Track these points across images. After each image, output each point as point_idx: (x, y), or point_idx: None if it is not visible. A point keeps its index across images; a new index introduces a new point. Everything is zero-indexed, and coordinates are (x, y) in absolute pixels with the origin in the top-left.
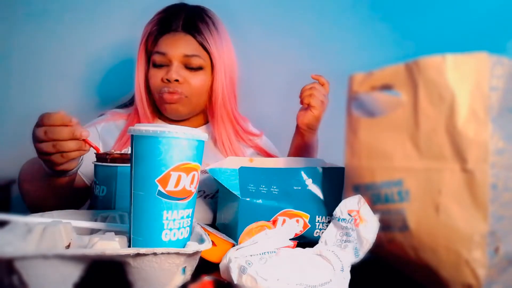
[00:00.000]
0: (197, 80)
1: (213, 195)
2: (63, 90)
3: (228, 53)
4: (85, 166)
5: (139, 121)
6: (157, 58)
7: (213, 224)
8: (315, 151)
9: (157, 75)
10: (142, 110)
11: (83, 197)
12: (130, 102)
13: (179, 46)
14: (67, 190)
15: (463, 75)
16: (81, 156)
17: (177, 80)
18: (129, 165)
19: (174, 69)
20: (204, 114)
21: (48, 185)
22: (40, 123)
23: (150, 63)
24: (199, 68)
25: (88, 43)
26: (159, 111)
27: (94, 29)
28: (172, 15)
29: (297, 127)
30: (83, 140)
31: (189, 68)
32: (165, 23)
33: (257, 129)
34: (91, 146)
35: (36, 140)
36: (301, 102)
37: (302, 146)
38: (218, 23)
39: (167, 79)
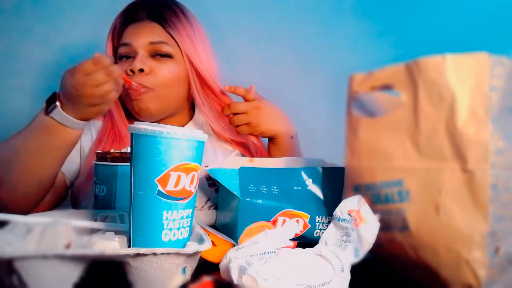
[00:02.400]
0: (165, 70)
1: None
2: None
3: (200, 40)
4: (68, 163)
5: (113, 126)
6: (122, 50)
7: (213, 224)
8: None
9: (122, 69)
10: (116, 111)
11: (59, 194)
12: None
13: (144, 34)
14: (66, 151)
15: (463, 75)
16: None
17: (142, 70)
18: (129, 164)
19: (139, 57)
20: (186, 112)
21: (49, 145)
22: (72, 72)
23: (117, 58)
24: (168, 56)
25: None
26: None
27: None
28: (137, 7)
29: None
30: (121, 76)
31: (157, 55)
32: (130, 14)
33: None
34: (126, 81)
35: (73, 86)
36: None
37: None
38: (187, 12)
39: (131, 70)
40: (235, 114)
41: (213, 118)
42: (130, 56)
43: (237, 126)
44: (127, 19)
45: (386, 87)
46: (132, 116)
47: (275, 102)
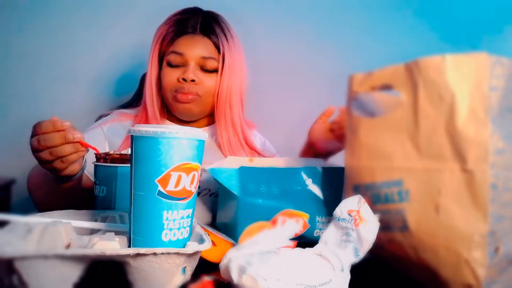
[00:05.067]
0: (211, 82)
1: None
2: (62, 91)
3: (239, 59)
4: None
5: (147, 121)
6: (173, 58)
7: (213, 224)
8: None
9: (172, 75)
10: (152, 110)
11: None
12: (136, 103)
13: (196, 48)
14: (75, 192)
15: (463, 75)
16: (84, 158)
17: (193, 81)
18: (129, 165)
19: (191, 69)
20: (210, 116)
21: (56, 190)
22: (33, 133)
23: (164, 63)
24: (214, 71)
25: (91, 45)
26: (167, 112)
27: (98, 31)
28: (189, 17)
29: (312, 145)
30: (78, 142)
31: (204, 69)
32: (183, 25)
33: (261, 132)
34: (87, 146)
35: (33, 150)
36: (332, 130)
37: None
38: (231, 29)
39: (183, 79)
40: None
41: (225, 129)
42: (179, 65)
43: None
44: (180, 29)
45: (386, 87)
46: (169, 116)
47: (275, 102)
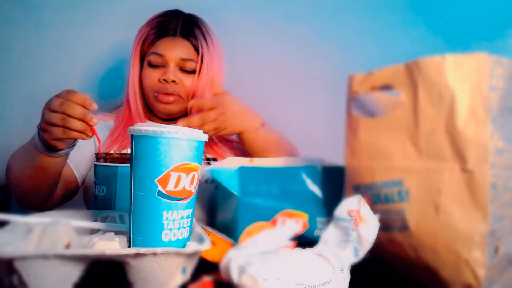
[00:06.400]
0: (189, 82)
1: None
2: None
3: (218, 61)
4: (79, 160)
5: (129, 120)
6: (153, 58)
7: (212, 224)
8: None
9: (153, 75)
10: (135, 108)
11: (70, 189)
12: (119, 105)
13: (177, 50)
14: (54, 173)
15: (463, 75)
16: (74, 142)
17: (174, 81)
18: (129, 165)
19: (172, 70)
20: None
21: (36, 166)
22: (61, 95)
23: (145, 63)
24: (193, 71)
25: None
26: (149, 111)
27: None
28: (171, 20)
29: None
30: (91, 126)
31: (184, 70)
32: (164, 27)
33: None
34: (94, 134)
35: (49, 108)
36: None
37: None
38: (211, 31)
39: (164, 80)
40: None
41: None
42: (160, 66)
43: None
44: (161, 31)
45: (386, 87)
46: (150, 114)
47: (275, 102)
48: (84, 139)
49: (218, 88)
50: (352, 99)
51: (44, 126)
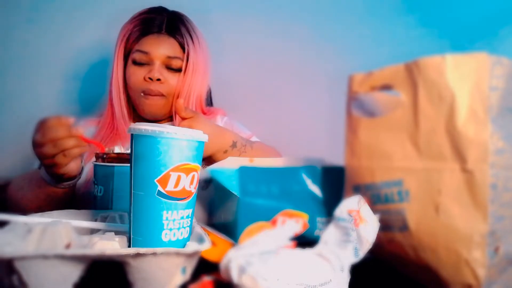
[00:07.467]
0: (175, 81)
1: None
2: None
3: (204, 59)
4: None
5: (112, 121)
6: (138, 56)
7: (212, 224)
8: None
9: (138, 73)
10: (119, 109)
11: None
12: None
13: (162, 47)
14: (63, 202)
15: (463, 75)
16: (82, 162)
17: (159, 80)
18: (126, 165)
19: (157, 68)
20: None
21: (45, 195)
22: (38, 128)
23: (129, 61)
24: (179, 70)
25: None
26: (133, 111)
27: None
28: (155, 17)
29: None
30: (79, 136)
31: (169, 68)
32: (148, 24)
33: (261, 132)
34: (87, 142)
35: (36, 145)
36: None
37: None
38: (196, 29)
39: (149, 78)
40: None
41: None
42: (145, 64)
43: None
44: (145, 28)
45: (386, 87)
46: (134, 115)
47: (275, 103)
48: (85, 151)
49: (185, 112)
50: (352, 99)
51: (45, 162)
